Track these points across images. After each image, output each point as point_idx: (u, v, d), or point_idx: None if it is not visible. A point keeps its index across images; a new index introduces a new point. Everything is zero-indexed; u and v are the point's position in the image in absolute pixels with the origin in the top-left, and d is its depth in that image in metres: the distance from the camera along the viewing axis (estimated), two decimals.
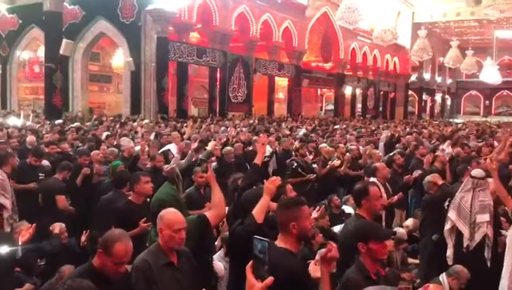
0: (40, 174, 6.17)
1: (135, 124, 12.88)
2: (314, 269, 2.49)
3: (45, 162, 6.59)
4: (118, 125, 12.20)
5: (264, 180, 3.26)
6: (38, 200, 5.91)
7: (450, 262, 4.60)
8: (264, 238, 1.73)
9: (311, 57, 28.50)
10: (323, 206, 4.94)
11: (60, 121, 13.62)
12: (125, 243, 2.67)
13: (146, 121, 14.38)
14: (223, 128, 12.75)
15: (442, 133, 13.83)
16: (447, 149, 8.35)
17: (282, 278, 1.96)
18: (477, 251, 4.44)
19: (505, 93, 46.56)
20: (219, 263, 4.58)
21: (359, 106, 33.34)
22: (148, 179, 4.46)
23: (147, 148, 7.14)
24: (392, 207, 5.75)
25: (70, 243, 4.84)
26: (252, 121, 16.76)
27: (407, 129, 16.52)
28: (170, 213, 2.93)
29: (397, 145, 10.26)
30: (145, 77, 17.75)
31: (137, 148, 7.16)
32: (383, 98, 35.78)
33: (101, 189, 5.74)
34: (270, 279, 1.69)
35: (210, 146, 7.37)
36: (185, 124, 12.27)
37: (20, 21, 21.05)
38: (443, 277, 4.25)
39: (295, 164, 7.48)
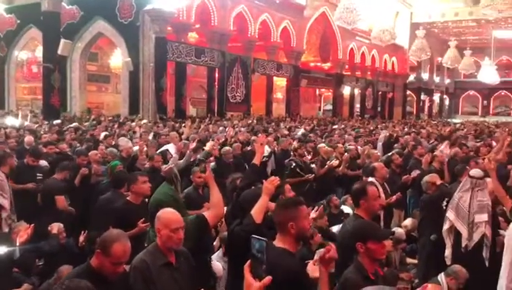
0: (38, 175, 6.15)
1: (133, 124, 12.84)
2: (313, 269, 2.49)
3: (43, 162, 6.57)
4: (116, 126, 12.16)
5: (263, 181, 3.25)
6: (36, 201, 5.90)
7: (448, 262, 4.60)
8: (262, 238, 1.73)
9: (310, 57, 28.50)
10: (322, 206, 4.93)
11: (58, 121, 13.60)
12: (123, 244, 2.66)
13: (144, 121, 14.34)
14: (221, 128, 12.74)
15: (441, 133, 13.82)
16: (445, 150, 8.34)
17: (280, 278, 1.95)
18: (475, 251, 4.44)
19: (503, 93, 46.63)
20: (217, 263, 4.56)
21: (357, 106, 33.35)
22: (145, 179, 4.45)
23: (145, 149, 7.12)
24: (391, 207, 5.75)
25: (68, 243, 4.82)
26: (250, 121, 16.76)
27: (406, 129, 16.50)
28: (168, 213, 2.92)
29: (395, 145, 10.27)
30: (143, 77, 17.73)
31: (136, 148, 7.15)
32: (381, 98, 35.82)
33: (99, 189, 5.73)
34: (268, 278, 1.68)
35: (208, 146, 7.36)
36: (183, 124, 12.24)
37: (18, 21, 21.02)
38: (441, 277, 4.25)
39: (294, 164, 7.49)
